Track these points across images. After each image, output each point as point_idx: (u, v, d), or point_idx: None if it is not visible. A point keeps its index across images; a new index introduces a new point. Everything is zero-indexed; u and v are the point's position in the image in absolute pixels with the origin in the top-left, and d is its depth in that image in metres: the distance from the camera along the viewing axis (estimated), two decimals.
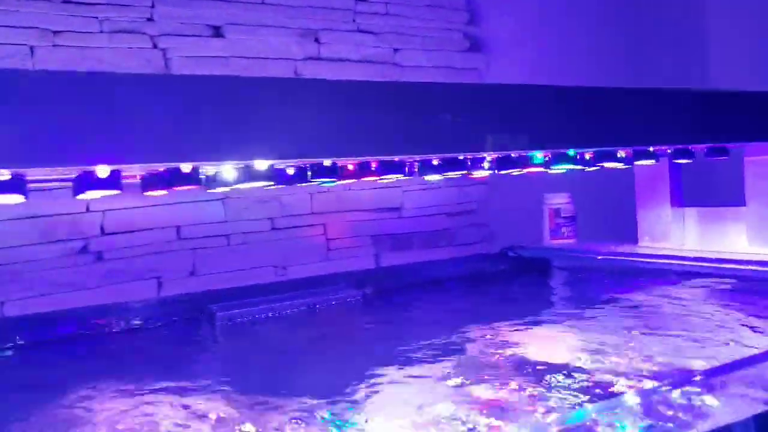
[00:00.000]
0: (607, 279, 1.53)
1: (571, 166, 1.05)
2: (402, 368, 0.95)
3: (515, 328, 1.15)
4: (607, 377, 0.88)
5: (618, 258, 1.52)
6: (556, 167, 1.05)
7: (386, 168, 0.90)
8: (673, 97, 1.14)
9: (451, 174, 0.98)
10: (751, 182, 1.35)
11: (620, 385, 0.85)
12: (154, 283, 1.55)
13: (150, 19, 1.55)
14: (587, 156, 1.13)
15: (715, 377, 0.82)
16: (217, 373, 1.07)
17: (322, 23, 1.78)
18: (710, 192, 1.50)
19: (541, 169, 1.09)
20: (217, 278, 1.62)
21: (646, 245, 1.56)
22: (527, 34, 2.13)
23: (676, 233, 1.52)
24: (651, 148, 1.15)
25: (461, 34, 2.02)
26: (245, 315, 1.33)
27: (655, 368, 0.90)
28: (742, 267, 1.29)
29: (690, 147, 1.19)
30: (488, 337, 1.14)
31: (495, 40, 2.07)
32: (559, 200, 1.82)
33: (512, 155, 0.98)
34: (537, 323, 1.19)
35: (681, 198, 1.53)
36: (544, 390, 0.83)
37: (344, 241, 1.82)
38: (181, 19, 1.58)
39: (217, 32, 1.64)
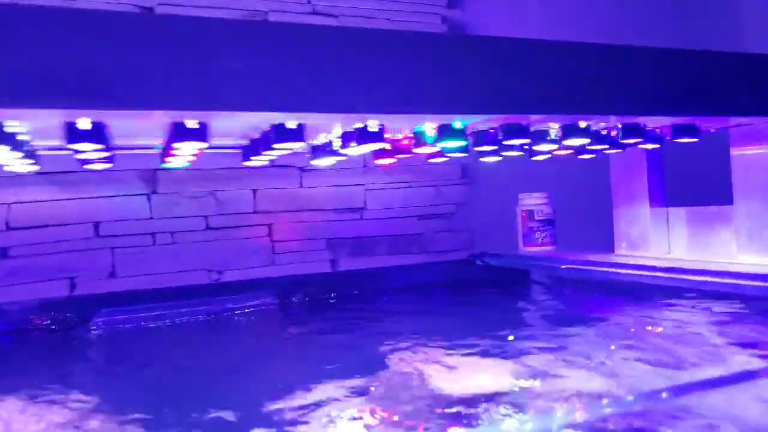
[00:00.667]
0: (568, 293, 1.28)
1: (459, 143, 0.83)
2: (282, 397, 0.73)
3: (449, 351, 0.92)
4: (539, 409, 0.66)
5: (584, 269, 1.27)
6: (444, 144, 0.84)
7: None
8: (615, 55, 0.91)
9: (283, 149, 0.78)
10: (739, 178, 1.08)
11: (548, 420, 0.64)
12: (66, 284, 1.42)
13: None
14: (502, 135, 0.91)
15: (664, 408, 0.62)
16: (58, 383, 0.91)
17: (272, 4, 1.62)
18: (696, 189, 1.24)
19: (432, 149, 0.88)
20: (140, 280, 1.48)
21: (622, 253, 1.30)
22: (515, 16, 1.90)
23: (659, 238, 1.25)
24: (583, 123, 0.92)
25: (438, 18, 1.81)
26: (127, 322, 1.18)
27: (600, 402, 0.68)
28: (721, 280, 1.02)
29: (641, 122, 0.95)
30: (411, 360, 0.93)
31: (478, 25, 1.86)
32: (532, 201, 1.57)
33: (369, 127, 0.78)
34: (476, 345, 0.95)
35: (664, 197, 1.27)
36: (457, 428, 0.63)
37: (293, 244, 1.64)
38: None
39: (148, 12, 1.51)
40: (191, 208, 1.53)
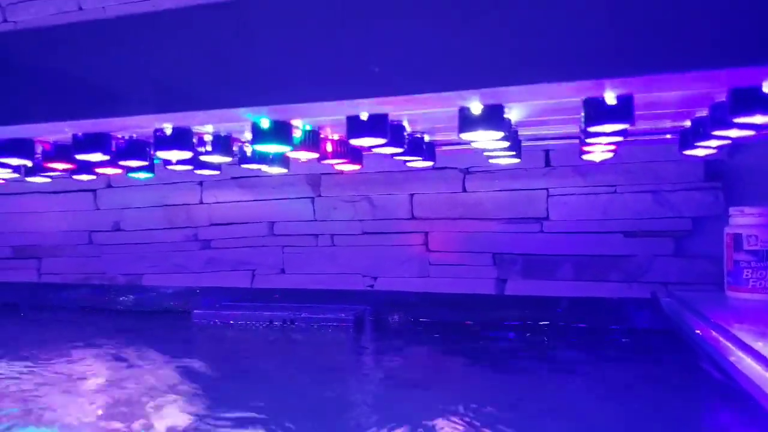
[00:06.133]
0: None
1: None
2: None
3: None
4: None
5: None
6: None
7: None
8: None
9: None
10: None
11: None
12: (249, 276, 1.60)
13: None
14: None
15: None
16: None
17: None
18: None
19: None
20: (303, 279, 1.54)
21: None
22: None
23: None
24: None
25: None
26: (214, 317, 1.28)
27: None
28: None
29: None
30: None
31: None
32: (744, 220, 0.97)
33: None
34: None
35: None
36: None
37: (452, 256, 1.44)
38: None
39: None
40: (347, 212, 1.51)
